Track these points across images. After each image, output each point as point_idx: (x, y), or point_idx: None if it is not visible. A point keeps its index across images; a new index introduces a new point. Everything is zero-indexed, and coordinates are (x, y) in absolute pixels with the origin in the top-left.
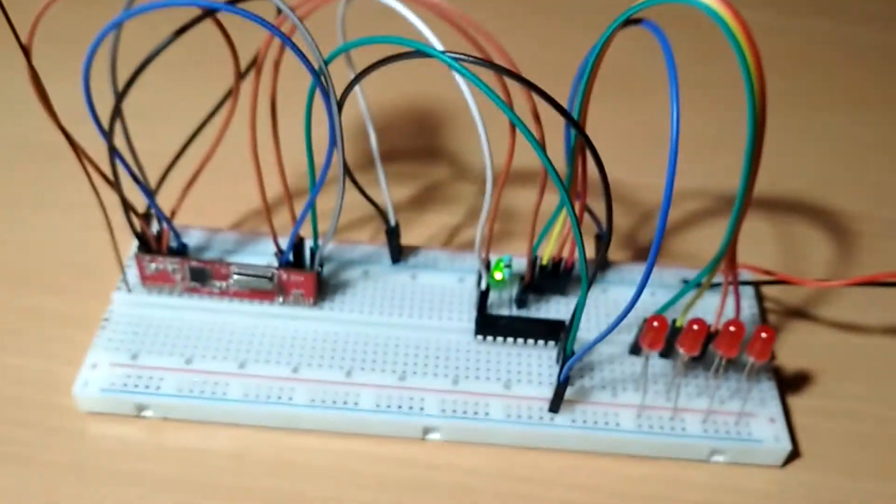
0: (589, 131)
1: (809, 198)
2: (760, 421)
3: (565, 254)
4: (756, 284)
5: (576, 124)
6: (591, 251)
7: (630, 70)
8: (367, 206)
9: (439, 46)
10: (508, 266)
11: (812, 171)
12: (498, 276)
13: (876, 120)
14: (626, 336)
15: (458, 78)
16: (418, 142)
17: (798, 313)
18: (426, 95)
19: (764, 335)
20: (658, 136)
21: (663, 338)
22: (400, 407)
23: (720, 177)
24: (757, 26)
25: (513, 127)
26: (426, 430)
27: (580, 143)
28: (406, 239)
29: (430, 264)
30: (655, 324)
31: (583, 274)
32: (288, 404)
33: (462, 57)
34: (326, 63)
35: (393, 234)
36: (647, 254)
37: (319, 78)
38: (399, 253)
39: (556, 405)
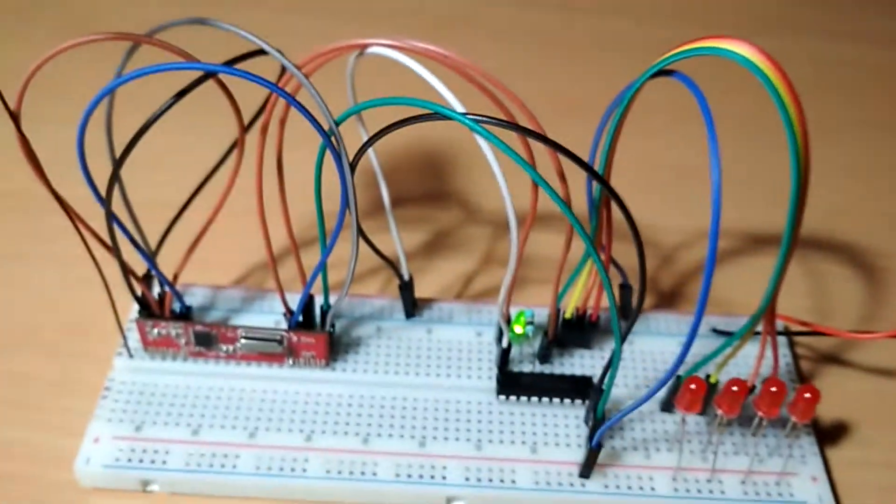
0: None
1: (833, 232)
2: (802, 480)
3: (589, 304)
4: (790, 335)
5: (605, 184)
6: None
7: (646, 105)
8: (377, 256)
9: (458, 105)
10: (531, 323)
11: (836, 203)
12: (518, 329)
13: None
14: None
15: (480, 139)
16: (426, 183)
17: (830, 359)
18: (432, 135)
19: (808, 395)
20: (676, 173)
21: (701, 400)
22: (421, 477)
23: (741, 215)
24: (773, 51)
25: (535, 184)
26: (449, 500)
27: (606, 198)
28: (419, 288)
29: (445, 318)
30: (693, 386)
31: (616, 333)
32: (302, 476)
33: (484, 119)
34: (337, 124)
35: (406, 288)
36: (672, 300)
37: (330, 139)
38: (413, 307)
39: (587, 471)
